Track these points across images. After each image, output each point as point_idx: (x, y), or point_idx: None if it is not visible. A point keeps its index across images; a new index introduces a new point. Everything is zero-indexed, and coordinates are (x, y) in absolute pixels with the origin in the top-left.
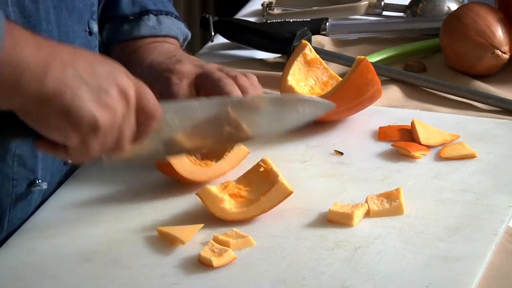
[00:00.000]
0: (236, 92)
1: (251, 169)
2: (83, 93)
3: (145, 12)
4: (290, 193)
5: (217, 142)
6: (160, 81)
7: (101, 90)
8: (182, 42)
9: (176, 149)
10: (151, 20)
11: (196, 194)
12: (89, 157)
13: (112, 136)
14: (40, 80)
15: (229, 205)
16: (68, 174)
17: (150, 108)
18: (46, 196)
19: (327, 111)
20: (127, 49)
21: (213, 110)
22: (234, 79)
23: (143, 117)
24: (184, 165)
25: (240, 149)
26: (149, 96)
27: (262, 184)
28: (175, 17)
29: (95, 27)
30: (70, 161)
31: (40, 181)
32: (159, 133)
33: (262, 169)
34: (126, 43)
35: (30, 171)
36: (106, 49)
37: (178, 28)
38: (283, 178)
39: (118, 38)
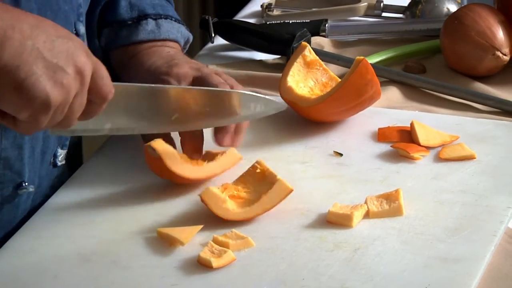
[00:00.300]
0: None
1: (246, 171)
2: (39, 69)
3: (143, 16)
4: (291, 191)
5: (161, 125)
6: (159, 82)
7: (58, 67)
8: (183, 45)
9: (119, 127)
10: (149, 24)
11: (199, 195)
12: (36, 130)
13: (61, 113)
14: None
15: (231, 206)
16: (59, 177)
17: (103, 89)
18: (36, 200)
19: (278, 110)
20: (127, 54)
21: (165, 96)
22: (231, 88)
23: (95, 97)
24: (175, 161)
25: (232, 154)
26: (105, 78)
27: (260, 185)
28: (175, 20)
29: (82, 29)
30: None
31: (27, 184)
32: (105, 111)
33: (258, 170)
34: (125, 48)
35: (16, 173)
36: (105, 54)
37: (178, 31)
38: (281, 177)
39: (117, 43)
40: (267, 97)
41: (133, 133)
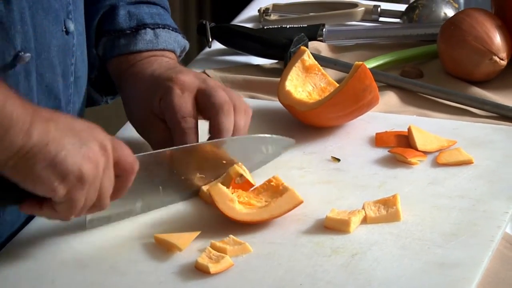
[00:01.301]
0: (227, 133)
1: (261, 184)
2: (67, 145)
3: (142, 26)
4: (300, 202)
5: (188, 189)
6: (161, 90)
7: (82, 143)
8: (180, 54)
9: (151, 202)
10: (148, 34)
11: (207, 190)
12: (75, 211)
13: (95, 189)
14: (26, 133)
15: (238, 207)
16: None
17: (127, 161)
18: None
19: (288, 148)
20: (125, 63)
21: (182, 158)
22: (234, 109)
23: (121, 170)
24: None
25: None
26: (126, 150)
27: (272, 196)
28: (172, 29)
29: (71, 26)
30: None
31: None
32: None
33: (273, 183)
34: (124, 57)
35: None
36: (103, 63)
37: (175, 40)
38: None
39: (114, 52)
40: (274, 136)
41: (165, 205)
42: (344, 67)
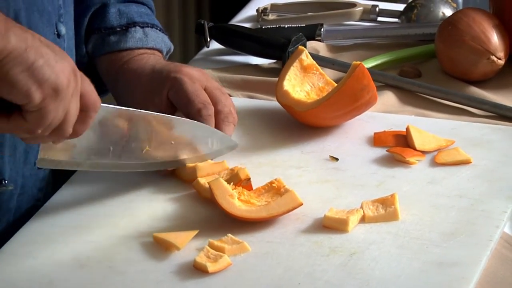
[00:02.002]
0: None
1: (263, 185)
2: (45, 54)
3: (132, 24)
4: (300, 204)
5: (134, 159)
6: (168, 82)
7: (58, 58)
8: (165, 55)
9: (100, 161)
10: (138, 32)
11: (208, 183)
12: (44, 124)
13: (63, 108)
14: (3, 36)
15: (238, 203)
16: (46, 179)
17: (92, 96)
18: (22, 201)
19: (231, 149)
20: (118, 60)
21: (139, 124)
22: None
23: (84, 104)
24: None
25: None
26: (91, 87)
27: (272, 197)
28: (159, 30)
29: (63, 30)
30: (22, 137)
31: (6, 182)
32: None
33: (274, 185)
34: (114, 54)
35: None
36: (92, 60)
37: (162, 41)
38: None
39: (105, 49)
40: (222, 133)
41: (110, 169)
42: (342, 66)
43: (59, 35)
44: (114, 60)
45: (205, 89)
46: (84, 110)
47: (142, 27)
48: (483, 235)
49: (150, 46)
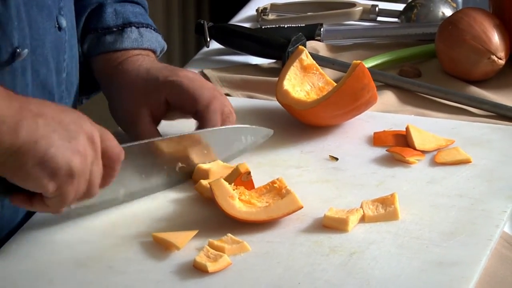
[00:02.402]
0: None
1: (264, 184)
2: (56, 141)
3: (127, 24)
4: (300, 207)
5: (170, 179)
6: (167, 86)
7: (71, 137)
8: (158, 54)
9: (134, 190)
10: (133, 32)
11: (209, 183)
12: (65, 205)
13: (84, 181)
14: (14, 131)
15: (238, 204)
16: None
17: (114, 151)
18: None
19: (267, 136)
20: (113, 61)
21: (165, 148)
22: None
23: (107, 160)
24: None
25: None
26: (112, 140)
27: (273, 198)
28: (154, 30)
29: (63, 23)
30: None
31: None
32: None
33: (276, 185)
34: (109, 54)
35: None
36: (86, 60)
37: (156, 40)
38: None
39: (100, 49)
40: (253, 126)
41: (147, 194)
42: (342, 66)
43: (60, 28)
44: (109, 60)
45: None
46: (108, 165)
47: (138, 27)
48: (483, 234)
49: (145, 46)
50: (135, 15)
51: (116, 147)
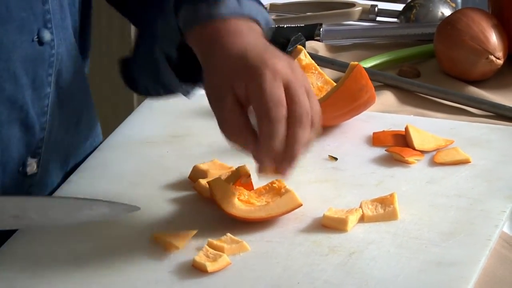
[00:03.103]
0: (301, 145)
1: (264, 185)
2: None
3: None
4: (299, 205)
5: None
6: (251, 73)
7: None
8: (264, 29)
9: None
10: (231, 1)
11: (208, 182)
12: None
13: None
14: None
15: (237, 203)
16: (37, 185)
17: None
18: None
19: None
20: (210, 31)
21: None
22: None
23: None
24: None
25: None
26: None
27: (272, 197)
28: (256, 1)
29: (46, 36)
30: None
31: None
32: None
33: (275, 185)
34: (205, 26)
35: None
36: (183, 35)
37: (259, 12)
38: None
39: (196, 21)
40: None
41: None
42: (341, 66)
43: (40, 42)
44: (207, 31)
45: (287, 85)
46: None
47: None
48: (482, 234)
49: (245, 13)
50: None
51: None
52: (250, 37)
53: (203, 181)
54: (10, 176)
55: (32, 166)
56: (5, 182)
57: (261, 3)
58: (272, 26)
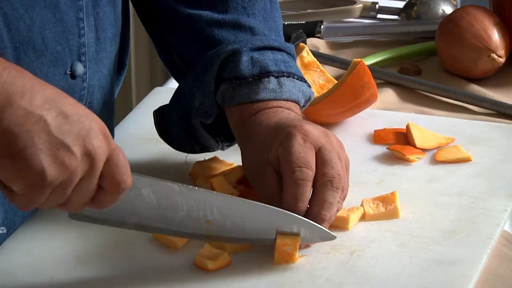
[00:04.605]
0: (330, 208)
1: None
2: (41, 143)
3: (265, 73)
4: None
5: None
6: (282, 135)
7: (63, 145)
8: (304, 104)
9: (147, 225)
10: (271, 82)
11: (210, 180)
12: (32, 207)
13: (62, 194)
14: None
15: None
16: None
17: (117, 178)
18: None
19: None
20: (247, 113)
21: (195, 201)
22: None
23: (108, 184)
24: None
25: None
26: (121, 166)
27: None
28: (297, 78)
29: (79, 69)
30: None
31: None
32: (131, 204)
33: None
34: (244, 106)
35: None
36: (221, 110)
37: (300, 90)
38: None
39: (235, 101)
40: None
41: (162, 233)
42: (342, 64)
43: (73, 76)
44: (244, 112)
45: (319, 150)
46: (109, 190)
47: (277, 77)
48: (484, 233)
49: (284, 97)
50: (275, 62)
51: (122, 174)
52: (284, 115)
53: (204, 178)
54: (21, 212)
55: None
56: (17, 219)
57: (302, 78)
58: (312, 99)
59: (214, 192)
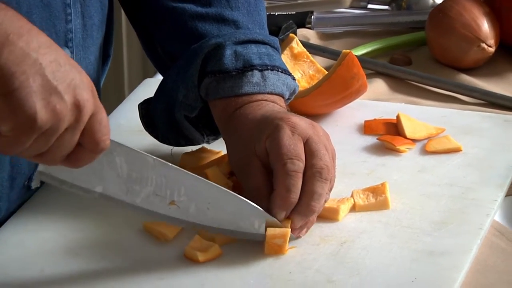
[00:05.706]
0: (319, 199)
1: None
2: (35, 85)
3: (249, 67)
4: None
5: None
6: (270, 128)
7: (56, 91)
8: (288, 97)
9: (109, 197)
10: (255, 76)
11: (205, 171)
12: (14, 151)
13: (45, 142)
14: None
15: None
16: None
17: (97, 135)
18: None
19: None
20: (231, 106)
21: (166, 177)
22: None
23: (88, 141)
24: None
25: None
26: (103, 124)
27: None
28: (281, 71)
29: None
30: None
31: None
32: (101, 171)
33: None
34: (229, 99)
35: None
36: (205, 103)
37: (284, 83)
38: None
39: (219, 94)
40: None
41: (123, 208)
42: (332, 54)
43: None
44: (228, 105)
45: (306, 141)
46: (87, 148)
47: (261, 70)
48: (474, 223)
49: (268, 91)
50: (259, 56)
51: (103, 134)
52: (269, 108)
53: (194, 169)
54: (17, 192)
55: (37, 180)
56: (12, 196)
57: (286, 71)
58: (297, 91)
59: (187, 172)
